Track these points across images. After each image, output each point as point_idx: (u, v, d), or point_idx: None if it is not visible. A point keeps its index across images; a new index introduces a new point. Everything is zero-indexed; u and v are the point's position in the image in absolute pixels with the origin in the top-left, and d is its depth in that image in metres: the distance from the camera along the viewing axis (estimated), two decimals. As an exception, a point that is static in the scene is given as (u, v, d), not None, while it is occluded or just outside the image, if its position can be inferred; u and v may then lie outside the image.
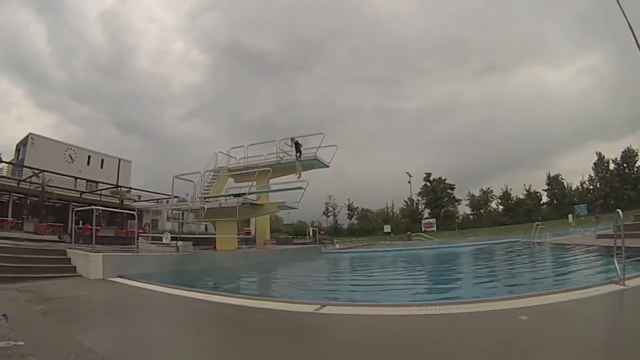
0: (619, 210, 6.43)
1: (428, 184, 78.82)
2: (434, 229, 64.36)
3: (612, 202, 58.39)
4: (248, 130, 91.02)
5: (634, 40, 15.54)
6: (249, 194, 20.59)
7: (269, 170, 21.14)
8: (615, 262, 6.08)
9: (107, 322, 5.68)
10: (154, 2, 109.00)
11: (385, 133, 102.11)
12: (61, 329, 4.54)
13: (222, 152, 25.15)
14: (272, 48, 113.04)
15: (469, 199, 77.17)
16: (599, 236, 17.50)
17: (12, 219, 26.23)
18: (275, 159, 23.17)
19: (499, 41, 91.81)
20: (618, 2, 16.46)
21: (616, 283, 5.75)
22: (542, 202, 71.48)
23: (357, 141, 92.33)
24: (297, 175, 22.01)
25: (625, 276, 5.70)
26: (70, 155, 38.15)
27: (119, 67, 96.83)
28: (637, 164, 60.24)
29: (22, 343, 3.60)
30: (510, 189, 72.53)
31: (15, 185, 29.47)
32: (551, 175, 70.79)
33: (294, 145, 22.16)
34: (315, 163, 23.05)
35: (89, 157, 40.37)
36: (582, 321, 4.40)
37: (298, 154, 22.02)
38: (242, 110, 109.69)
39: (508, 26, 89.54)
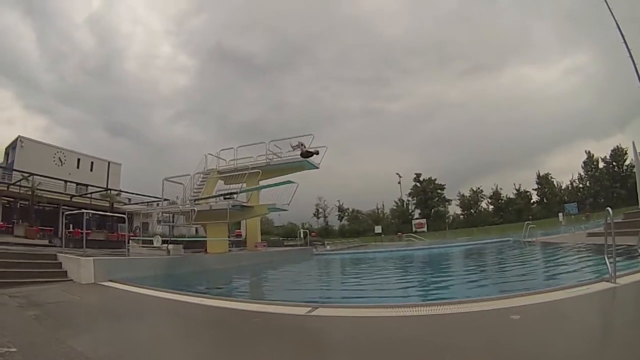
0: (609, 208, 6.46)
1: (418, 184, 79.39)
2: (425, 229, 64.71)
3: (602, 200, 59.13)
4: (237, 132, 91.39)
5: (622, 39, 15.72)
6: (240, 192, 20.56)
7: (259, 172, 21.15)
8: (607, 260, 6.14)
9: (99, 327, 5.62)
10: (140, 4, 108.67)
11: (374, 134, 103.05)
12: (53, 334, 4.48)
13: (212, 154, 25.12)
14: (259, 50, 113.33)
15: (459, 199, 77.90)
16: (590, 234, 17.71)
17: (2, 223, 25.89)
18: (264, 161, 23.14)
19: (485, 41, 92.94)
20: (606, 2, 16.64)
21: (607, 281, 5.79)
22: (532, 201, 72.26)
23: (346, 142, 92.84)
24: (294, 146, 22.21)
25: (617, 274, 5.75)
26: (59, 158, 37.65)
27: (108, 70, 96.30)
28: (626, 163, 60.78)
29: (14, 349, 3.57)
30: (501, 189, 73.42)
31: (5, 189, 29.07)
32: (541, 174, 71.62)
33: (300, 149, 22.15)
34: (305, 164, 23.00)
35: (79, 159, 39.92)
36: (574, 319, 4.42)
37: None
38: (231, 113, 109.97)
39: (494, 25, 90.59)
